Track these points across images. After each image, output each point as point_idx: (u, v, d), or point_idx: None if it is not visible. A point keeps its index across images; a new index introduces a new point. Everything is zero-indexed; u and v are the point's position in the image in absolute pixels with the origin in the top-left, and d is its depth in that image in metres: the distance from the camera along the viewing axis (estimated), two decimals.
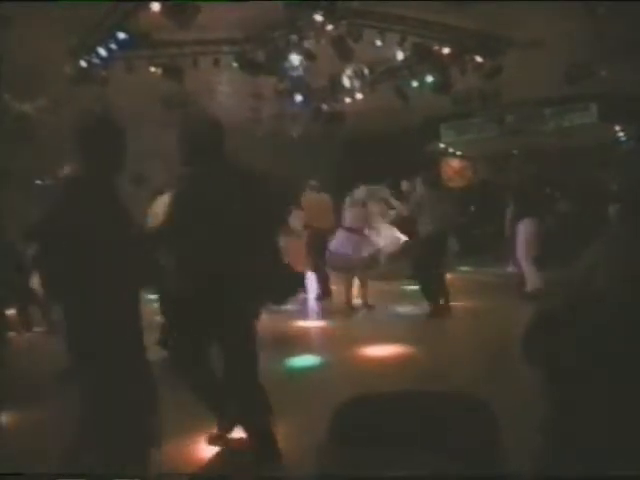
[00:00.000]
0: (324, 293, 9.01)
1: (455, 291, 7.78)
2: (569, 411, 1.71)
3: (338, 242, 7.85)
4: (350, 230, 7.80)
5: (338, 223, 8.15)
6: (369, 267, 7.81)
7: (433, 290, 7.32)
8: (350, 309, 7.81)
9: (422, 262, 7.35)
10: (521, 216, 8.25)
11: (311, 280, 9.16)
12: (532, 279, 8.03)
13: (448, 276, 9.00)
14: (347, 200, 8.05)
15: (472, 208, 13.46)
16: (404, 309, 7.85)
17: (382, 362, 5.50)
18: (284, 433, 3.58)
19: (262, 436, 3.25)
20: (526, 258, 8.17)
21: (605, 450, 1.58)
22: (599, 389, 1.65)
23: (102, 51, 7.34)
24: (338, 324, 7.30)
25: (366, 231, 7.95)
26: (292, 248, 7.63)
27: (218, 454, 3.47)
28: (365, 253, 7.70)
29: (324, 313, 8.12)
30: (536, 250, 8.15)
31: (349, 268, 7.78)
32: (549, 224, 8.87)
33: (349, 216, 7.90)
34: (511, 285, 8.45)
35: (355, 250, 7.67)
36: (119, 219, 3.05)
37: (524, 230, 8.16)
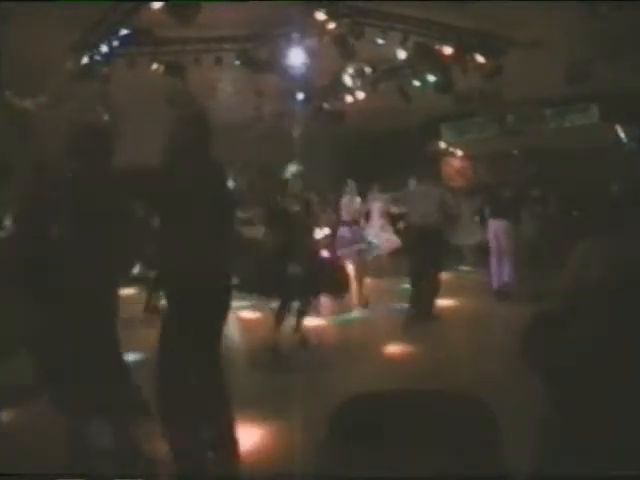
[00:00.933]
0: None
1: (455, 290, 7.79)
2: (569, 411, 1.71)
3: (338, 239, 7.99)
4: (345, 224, 8.04)
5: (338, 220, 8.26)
6: (359, 260, 7.94)
7: (421, 291, 7.29)
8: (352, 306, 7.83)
9: (416, 260, 7.37)
10: (493, 215, 8.43)
11: None
12: (499, 278, 8.20)
13: (445, 276, 9.01)
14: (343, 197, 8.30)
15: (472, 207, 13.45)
16: (404, 308, 7.84)
17: (382, 361, 5.51)
18: (284, 432, 3.59)
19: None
20: (498, 256, 8.34)
21: (605, 450, 1.59)
22: (598, 389, 1.66)
23: (104, 48, 7.33)
24: (338, 322, 7.31)
25: (360, 225, 8.19)
26: None
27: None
28: (356, 246, 7.82)
29: (323, 311, 8.12)
30: (508, 249, 8.29)
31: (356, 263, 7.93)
32: (524, 224, 8.93)
33: (344, 210, 8.15)
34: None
35: (349, 242, 7.88)
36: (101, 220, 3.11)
37: (495, 229, 8.35)
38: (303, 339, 6.00)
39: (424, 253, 7.19)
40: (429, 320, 7.01)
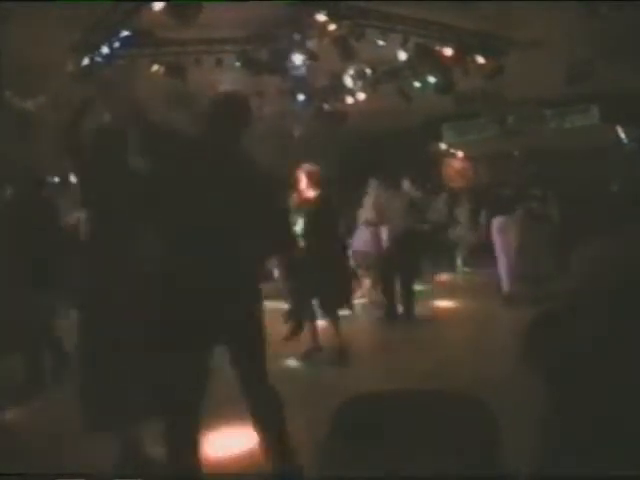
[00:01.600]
0: None
1: (455, 291, 7.77)
2: (569, 411, 1.71)
3: (358, 239, 7.84)
4: (368, 225, 7.75)
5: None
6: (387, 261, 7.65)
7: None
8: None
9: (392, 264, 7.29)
10: (494, 215, 8.37)
11: None
12: (507, 281, 8.14)
13: (445, 277, 8.98)
14: (366, 196, 7.94)
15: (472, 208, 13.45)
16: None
17: (384, 360, 5.51)
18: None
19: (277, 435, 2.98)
20: (502, 260, 8.27)
21: (605, 450, 1.58)
22: (599, 389, 1.66)
23: (105, 49, 7.33)
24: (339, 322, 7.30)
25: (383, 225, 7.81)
26: None
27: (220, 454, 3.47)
28: (383, 247, 7.61)
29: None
30: (510, 253, 8.22)
31: (369, 264, 7.77)
32: (526, 224, 8.86)
33: (366, 211, 7.82)
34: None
35: (373, 245, 7.65)
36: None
37: (496, 229, 8.29)
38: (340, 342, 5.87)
39: (402, 256, 7.20)
40: (413, 322, 7.02)
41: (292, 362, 5.55)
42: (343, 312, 7.17)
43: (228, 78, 8.68)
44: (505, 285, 8.25)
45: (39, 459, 3.19)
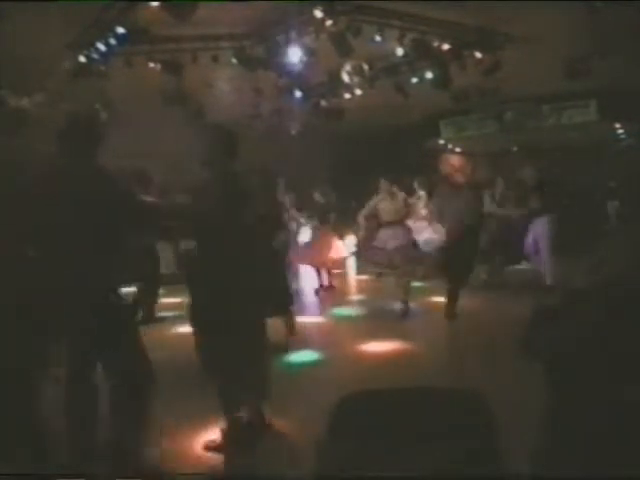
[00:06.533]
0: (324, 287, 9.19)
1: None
2: (569, 411, 1.70)
3: (379, 238, 7.48)
4: (388, 224, 7.42)
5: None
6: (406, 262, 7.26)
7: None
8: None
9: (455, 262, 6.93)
10: (540, 212, 8.25)
11: (311, 274, 9.25)
12: (552, 273, 8.04)
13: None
14: (377, 195, 7.58)
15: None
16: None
17: (383, 358, 5.50)
18: (284, 430, 3.58)
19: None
20: (548, 253, 8.15)
21: (605, 450, 1.58)
22: (599, 387, 1.65)
23: (101, 46, 7.30)
24: (338, 319, 7.30)
25: (406, 223, 7.58)
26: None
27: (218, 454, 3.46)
28: (398, 244, 7.23)
29: (324, 308, 8.09)
30: (553, 245, 8.12)
31: (384, 263, 7.42)
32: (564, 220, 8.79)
33: (384, 210, 7.49)
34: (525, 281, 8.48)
35: (391, 242, 7.26)
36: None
37: (544, 226, 8.16)
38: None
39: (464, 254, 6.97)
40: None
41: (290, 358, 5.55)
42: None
43: (224, 75, 8.68)
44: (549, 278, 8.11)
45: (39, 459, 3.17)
